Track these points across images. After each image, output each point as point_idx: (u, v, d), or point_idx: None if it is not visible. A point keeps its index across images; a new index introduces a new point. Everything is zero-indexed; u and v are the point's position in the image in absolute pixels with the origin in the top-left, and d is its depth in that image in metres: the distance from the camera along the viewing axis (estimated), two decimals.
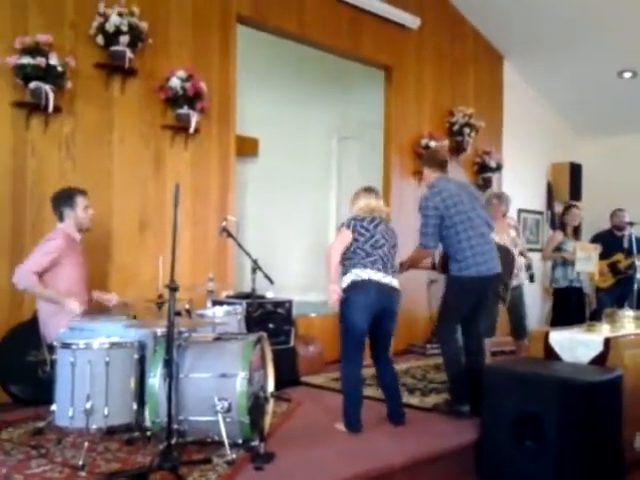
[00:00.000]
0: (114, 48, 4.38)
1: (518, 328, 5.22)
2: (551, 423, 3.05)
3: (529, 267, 5.31)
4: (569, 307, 5.71)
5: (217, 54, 5.15)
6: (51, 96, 4.05)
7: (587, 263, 5.52)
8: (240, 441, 3.07)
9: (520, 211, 7.85)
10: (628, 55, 6.93)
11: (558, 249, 5.78)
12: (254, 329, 3.98)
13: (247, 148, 6.76)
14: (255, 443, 3.03)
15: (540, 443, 3.08)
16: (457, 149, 6.95)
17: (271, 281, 4.21)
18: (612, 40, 6.73)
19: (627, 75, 7.25)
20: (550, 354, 3.71)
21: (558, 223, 6.07)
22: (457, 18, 7.15)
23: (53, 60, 4.02)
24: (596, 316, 5.22)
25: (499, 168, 7.33)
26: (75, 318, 3.41)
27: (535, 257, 6.90)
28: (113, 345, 3.01)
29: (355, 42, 6.14)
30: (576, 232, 5.91)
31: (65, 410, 2.92)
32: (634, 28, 6.47)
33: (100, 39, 4.36)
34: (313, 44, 5.96)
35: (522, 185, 7.80)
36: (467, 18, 7.22)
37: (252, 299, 4.42)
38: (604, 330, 3.75)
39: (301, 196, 7.25)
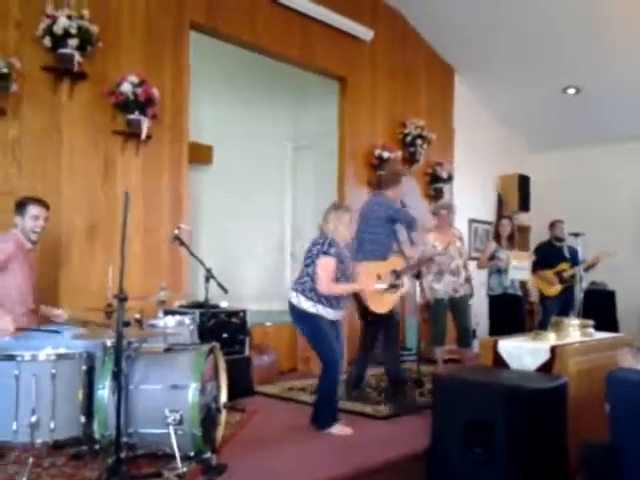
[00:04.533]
0: (62, 51, 4.26)
1: (462, 336, 5.33)
2: (499, 430, 3.11)
3: (468, 281, 5.44)
4: (504, 313, 5.86)
5: (170, 60, 5.09)
6: None
7: (520, 271, 5.70)
8: (192, 453, 3.01)
9: (471, 221, 8.03)
10: (572, 72, 7.20)
11: (492, 257, 5.93)
12: (208, 339, 3.92)
13: (201, 155, 6.69)
14: (207, 455, 2.99)
15: (489, 449, 3.14)
16: (410, 160, 7.06)
17: (225, 290, 4.17)
18: (557, 57, 6.98)
19: (571, 91, 7.53)
20: (499, 362, 3.79)
21: (493, 233, 6.29)
22: (410, 32, 7.28)
23: None
24: (544, 324, 5.36)
25: (450, 179, 7.49)
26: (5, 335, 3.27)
27: None
28: (60, 357, 2.90)
29: (308, 52, 6.17)
30: (511, 241, 6.08)
31: (8, 424, 2.78)
32: (577, 46, 6.73)
33: (47, 41, 4.24)
34: (266, 53, 5.96)
35: (473, 196, 7.99)
36: (419, 32, 7.36)
37: (205, 308, 4.36)
38: (550, 338, 3.85)
39: (256, 204, 7.23)
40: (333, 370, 3.71)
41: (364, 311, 4.28)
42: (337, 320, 3.84)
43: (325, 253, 3.66)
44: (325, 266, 3.65)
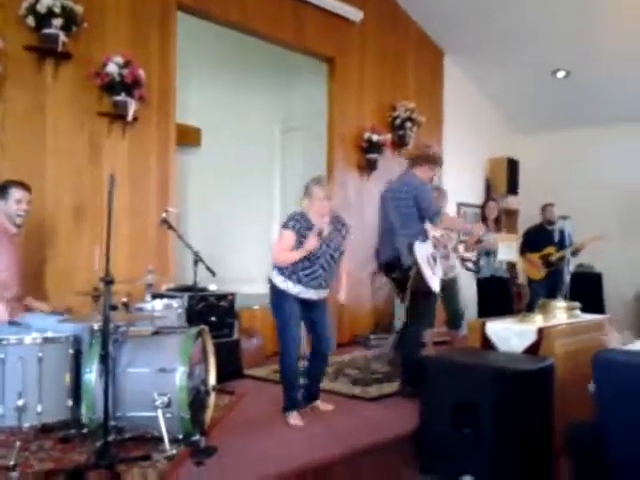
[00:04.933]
0: (46, 31, 4.18)
1: (452, 319, 5.37)
2: (487, 410, 3.15)
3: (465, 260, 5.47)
4: (493, 296, 5.91)
5: (156, 41, 5.01)
6: None
7: (508, 252, 5.74)
8: (180, 436, 3.02)
9: (460, 205, 8.03)
10: (561, 55, 7.17)
11: (480, 240, 5.95)
12: (196, 322, 3.91)
13: (189, 137, 6.64)
14: (196, 438, 2.99)
15: (477, 430, 3.17)
16: (399, 143, 7.03)
17: (213, 273, 4.15)
18: (546, 40, 6.95)
19: (560, 74, 7.51)
20: (486, 344, 3.82)
21: (480, 216, 6.30)
22: (399, 13, 7.21)
23: None
24: (531, 307, 5.40)
25: None
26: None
27: None
28: (46, 340, 2.88)
29: (297, 33, 6.11)
30: (498, 224, 6.12)
31: None
32: (567, 29, 6.70)
33: (31, 20, 4.15)
34: (254, 33, 5.89)
35: (462, 179, 7.98)
36: (409, 13, 7.29)
37: (194, 292, 4.35)
38: (537, 320, 3.89)
39: (245, 187, 7.19)
40: (286, 353, 3.63)
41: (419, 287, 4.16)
42: (314, 300, 3.67)
43: (283, 227, 3.60)
44: (280, 238, 3.61)
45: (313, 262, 3.57)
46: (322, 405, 3.89)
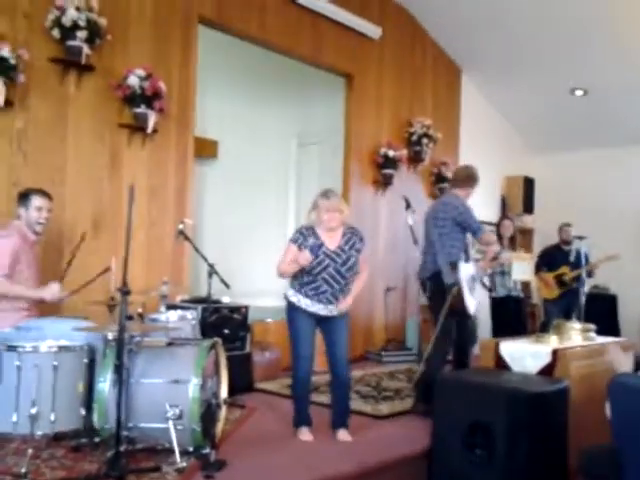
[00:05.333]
0: (70, 43, 4.25)
1: None
2: (500, 432, 3.11)
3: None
4: (507, 315, 5.87)
5: (177, 54, 5.08)
6: (2, 89, 3.91)
7: (523, 271, 5.72)
8: (191, 449, 3.02)
9: None
10: (579, 74, 7.16)
11: (495, 257, 5.93)
12: (209, 334, 3.93)
13: (206, 150, 6.70)
14: (206, 451, 2.99)
15: (490, 451, 3.13)
16: (415, 159, 7.04)
17: (227, 286, 4.17)
18: (564, 58, 6.95)
19: (579, 93, 7.50)
20: (500, 364, 3.79)
21: (495, 234, 6.27)
22: (417, 30, 7.25)
23: (5, 52, 3.88)
24: (545, 327, 5.36)
25: None
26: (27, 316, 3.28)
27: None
28: (61, 348, 2.91)
29: (316, 48, 6.16)
30: (513, 242, 6.11)
31: (8, 415, 2.79)
32: (585, 48, 6.70)
33: (56, 32, 4.22)
34: (274, 48, 5.95)
35: (477, 197, 7.91)
36: (427, 31, 7.34)
37: (207, 304, 4.36)
38: (552, 341, 3.85)
39: (260, 199, 7.23)
40: (296, 367, 3.60)
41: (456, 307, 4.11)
42: (328, 316, 3.59)
43: (289, 240, 3.62)
44: (285, 251, 3.60)
45: (315, 277, 3.52)
46: (341, 435, 3.63)
